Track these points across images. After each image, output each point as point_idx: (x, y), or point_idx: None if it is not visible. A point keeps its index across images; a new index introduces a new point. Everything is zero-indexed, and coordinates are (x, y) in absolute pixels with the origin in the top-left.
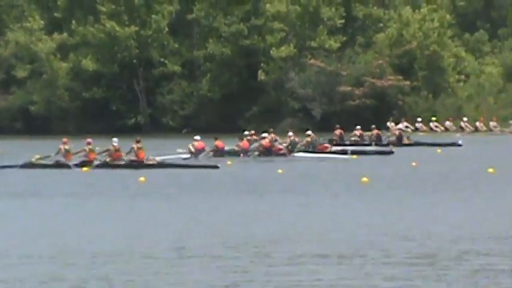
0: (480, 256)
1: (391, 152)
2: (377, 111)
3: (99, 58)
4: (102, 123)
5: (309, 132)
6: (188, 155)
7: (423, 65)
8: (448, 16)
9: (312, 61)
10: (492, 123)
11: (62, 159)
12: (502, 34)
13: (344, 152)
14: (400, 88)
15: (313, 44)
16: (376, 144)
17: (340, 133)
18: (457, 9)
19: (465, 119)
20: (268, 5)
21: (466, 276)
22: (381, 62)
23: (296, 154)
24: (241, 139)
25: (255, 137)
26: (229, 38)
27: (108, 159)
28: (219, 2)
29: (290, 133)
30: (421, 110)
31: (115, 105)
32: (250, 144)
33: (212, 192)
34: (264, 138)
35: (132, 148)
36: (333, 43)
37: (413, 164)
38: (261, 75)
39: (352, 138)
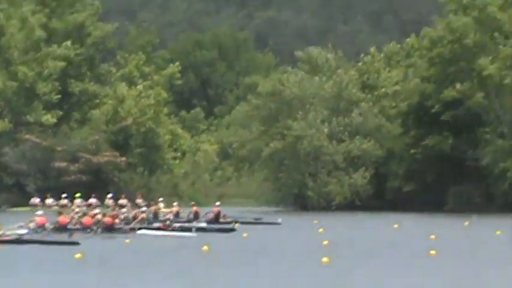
0: None
1: (233, 230)
2: (93, 187)
3: None
4: None
5: (143, 208)
6: (26, 230)
7: (139, 142)
8: (164, 93)
9: (27, 136)
10: (138, 200)
11: None
12: (218, 112)
13: (188, 229)
14: (116, 164)
15: (29, 118)
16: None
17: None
18: (174, 87)
19: (110, 195)
20: None
21: None
22: (96, 137)
23: (139, 232)
24: (60, 214)
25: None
26: None
27: None
28: None
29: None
30: (137, 186)
31: None
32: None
33: None
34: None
35: None
36: (49, 118)
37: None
38: None
39: (168, 216)
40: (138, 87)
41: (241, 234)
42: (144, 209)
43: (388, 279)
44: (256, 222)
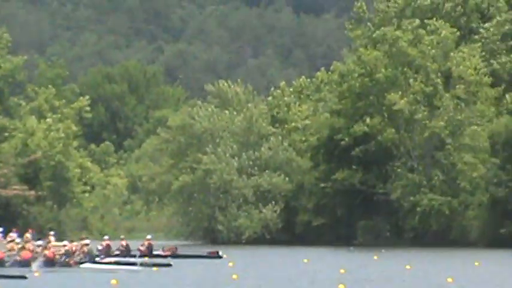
0: None
1: (169, 265)
2: (1, 221)
3: None
4: None
5: (87, 241)
6: None
7: (49, 175)
8: (73, 127)
9: None
10: (27, 234)
11: None
12: (127, 145)
13: (133, 264)
14: (25, 198)
15: None
16: (129, 256)
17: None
18: (83, 120)
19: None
20: None
21: None
22: (5, 171)
23: (83, 266)
24: None
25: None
26: None
27: None
28: None
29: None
30: (46, 220)
31: None
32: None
33: None
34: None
35: None
36: None
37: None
38: None
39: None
40: (47, 120)
41: (152, 269)
42: (87, 241)
43: None
44: (196, 256)
